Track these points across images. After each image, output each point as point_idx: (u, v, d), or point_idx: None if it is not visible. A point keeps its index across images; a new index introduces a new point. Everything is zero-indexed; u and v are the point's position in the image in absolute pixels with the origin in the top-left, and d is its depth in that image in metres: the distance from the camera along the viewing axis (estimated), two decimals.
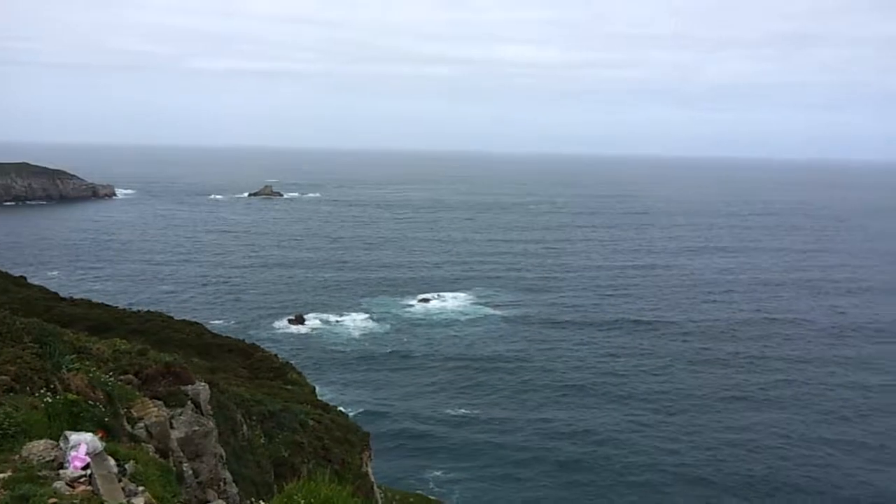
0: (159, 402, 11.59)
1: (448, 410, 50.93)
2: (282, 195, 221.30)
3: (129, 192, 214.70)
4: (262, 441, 20.12)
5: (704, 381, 57.21)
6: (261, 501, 8.73)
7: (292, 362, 34.47)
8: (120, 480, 5.80)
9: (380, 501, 26.75)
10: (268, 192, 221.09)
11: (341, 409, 30.94)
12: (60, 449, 5.89)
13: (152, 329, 30.35)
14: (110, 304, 37.10)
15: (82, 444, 5.73)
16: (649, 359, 62.66)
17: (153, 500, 5.90)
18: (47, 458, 5.85)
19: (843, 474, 41.97)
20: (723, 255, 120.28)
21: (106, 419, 8.28)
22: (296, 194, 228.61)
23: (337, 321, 73.97)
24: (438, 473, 41.83)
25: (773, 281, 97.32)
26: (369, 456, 26.30)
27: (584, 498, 39.29)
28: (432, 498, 35.65)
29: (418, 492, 35.95)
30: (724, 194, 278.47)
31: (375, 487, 26.71)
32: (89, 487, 5.49)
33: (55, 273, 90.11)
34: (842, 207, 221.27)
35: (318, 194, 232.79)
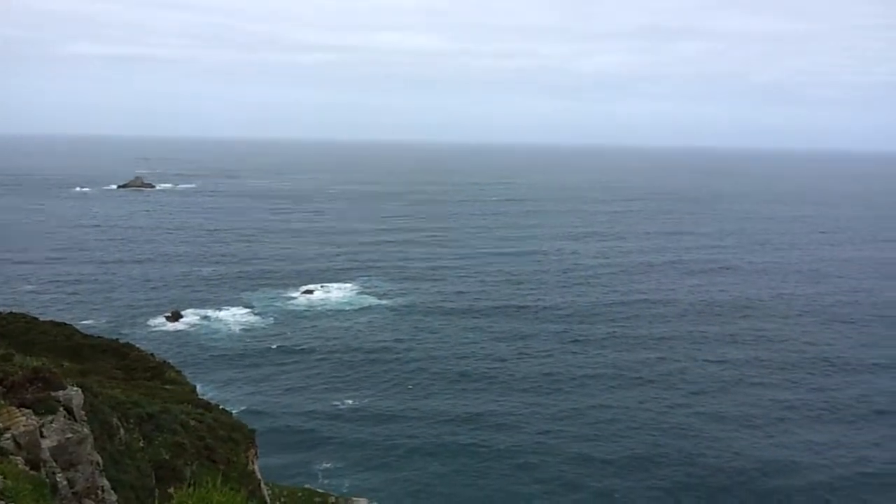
0: (27, 411, 10.91)
1: (335, 402, 50.59)
2: (154, 187, 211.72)
3: None
4: (140, 445, 19.35)
5: (584, 362, 59.48)
6: None
7: (170, 361, 33.20)
8: None
9: (267, 499, 26.32)
10: (138, 184, 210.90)
11: (224, 407, 30.10)
12: None
13: (15, 332, 28.44)
14: None
15: None
16: (532, 342, 64.48)
17: None
18: None
19: (712, 442, 44.78)
20: (599, 239, 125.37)
21: None
22: (169, 185, 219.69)
23: (216, 316, 71.73)
24: (328, 465, 41.57)
25: (644, 263, 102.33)
26: (255, 453, 25.79)
27: (473, 482, 40.08)
28: (321, 491, 35.37)
29: (307, 486, 35.57)
30: (597, 181, 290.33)
31: (262, 485, 26.25)
32: None
33: None
34: (705, 192, 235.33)
35: (192, 185, 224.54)
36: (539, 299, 79.91)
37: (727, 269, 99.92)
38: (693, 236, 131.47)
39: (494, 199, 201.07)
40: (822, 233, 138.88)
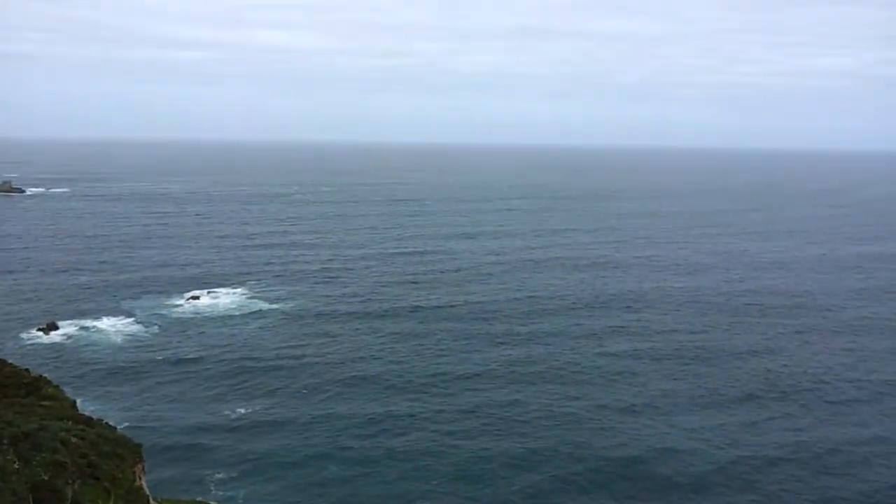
0: None
1: (226, 412, 49.07)
2: (24, 191, 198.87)
3: None
4: (15, 466, 18.19)
5: (479, 360, 60.29)
6: None
7: (47, 375, 31.22)
8: None
9: None
10: (6, 189, 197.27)
11: (108, 421, 28.63)
12: None
13: None
14: None
15: None
16: (427, 342, 64.79)
17: None
18: None
19: (602, 432, 46.38)
20: (489, 237, 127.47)
21: None
22: (41, 190, 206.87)
23: (95, 327, 68.13)
24: (221, 476, 40.27)
25: (532, 260, 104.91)
26: (143, 468, 24.67)
27: (371, 484, 39.87)
28: (214, 503, 34.32)
29: (199, 499, 34.37)
30: (481, 180, 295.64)
31: (151, 501, 25.18)
32: None
33: None
34: (581, 189, 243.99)
35: (66, 189, 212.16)
36: (432, 299, 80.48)
37: (610, 264, 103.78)
38: (576, 232, 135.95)
39: (383, 199, 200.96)
40: (695, 227, 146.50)
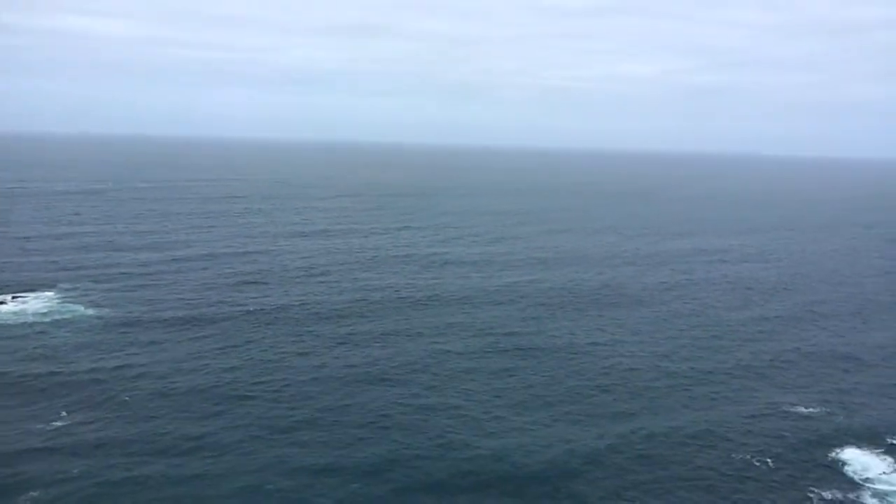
0: None
1: (33, 433, 44.16)
2: None
3: None
4: None
5: (318, 363, 58.52)
6: None
7: None
8: None
9: None
10: None
11: None
12: None
13: None
14: None
15: None
16: (260, 348, 61.97)
17: None
18: None
19: (443, 435, 46.43)
20: (327, 236, 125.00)
21: None
22: None
23: None
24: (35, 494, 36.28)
25: (373, 259, 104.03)
26: None
27: None
28: None
29: None
30: (319, 175, 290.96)
31: None
32: None
33: None
34: (417, 187, 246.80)
35: None
36: (267, 301, 77.41)
37: (450, 262, 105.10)
38: (415, 230, 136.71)
39: (210, 196, 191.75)
40: (528, 224, 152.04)
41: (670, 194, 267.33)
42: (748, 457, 44.78)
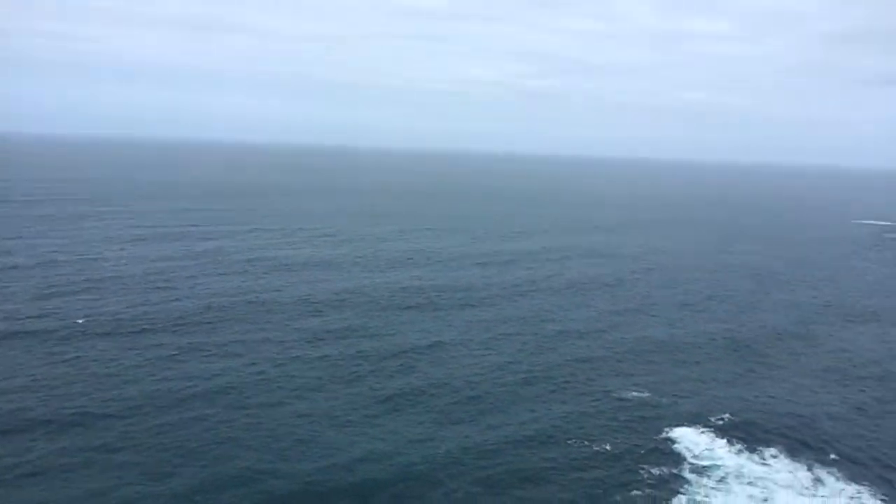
0: None
1: None
2: None
3: None
4: None
5: (165, 377, 56.11)
6: None
7: None
8: None
9: None
10: None
11: None
12: None
13: None
14: None
15: None
16: (89, 363, 58.43)
17: None
18: None
19: (308, 446, 45.86)
20: (168, 240, 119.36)
21: None
22: None
23: None
24: None
25: (223, 261, 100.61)
26: None
27: None
28: None
29: None
30: (158, 176, 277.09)
31: None
32: None
33: None
34: (273, 187, 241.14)
35: None
36: (97, 313, 72.86)
37: (314, 264, 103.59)
38: (266, 232, 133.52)
39: (21, 199, 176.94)
40: (386, 225, 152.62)
41: (515, 194, 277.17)
42: (587, 443, 47.47)
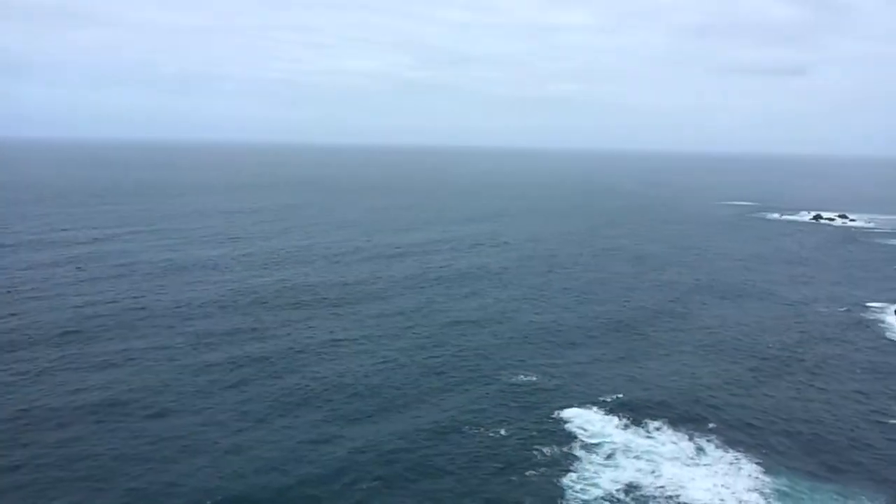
0: None
1: None
2: None
3: None
4: None
5: (31, 393, 52.50)
6: None
7: None
8: None
9: None
10: None
11: None
12: None
13: None
14: None
15: None
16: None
17: None
18: None
19: (174, 461, 44.05)
20: (30, 248, 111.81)
21: None
22: None
23: None
24: None
25: (82, 268, 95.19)
26: None
27: None
28: None
29: None
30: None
31: None
32: None
33: None
34: (134, 186, 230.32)
35: None
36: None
37: (196, 265, 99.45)
38: (139, 234, 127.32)
39: None
40: (261, 223, 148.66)
41: (402, 185, 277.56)
42: (482, 430, 48.14)
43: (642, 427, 49.42)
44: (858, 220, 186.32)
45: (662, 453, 45.64)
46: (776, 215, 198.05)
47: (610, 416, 50.87)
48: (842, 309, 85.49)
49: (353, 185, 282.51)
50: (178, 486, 39.98)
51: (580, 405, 52.66)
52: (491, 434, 47.60)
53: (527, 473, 42.62)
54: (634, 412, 51.65)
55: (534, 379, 58.14)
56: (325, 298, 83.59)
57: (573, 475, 42.62)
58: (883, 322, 79.85)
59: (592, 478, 42.34)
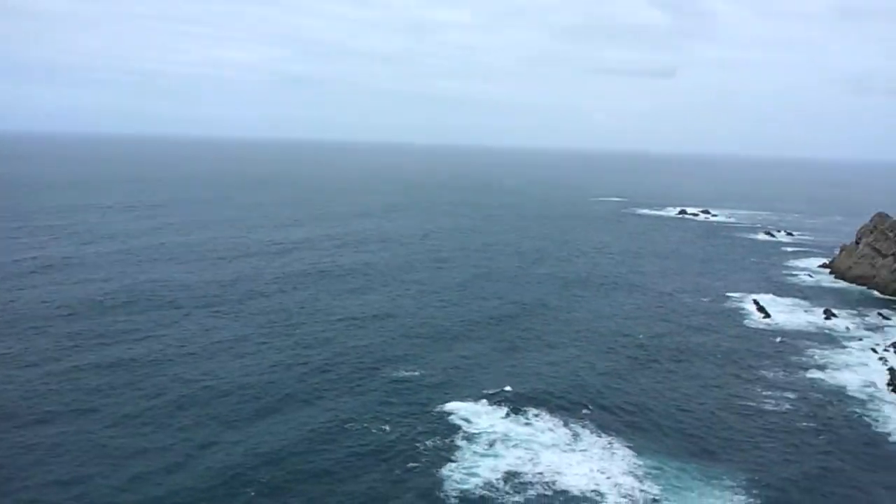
0: None
1: None
2: None
3: None
4: None
5: None
6: None
7: None
8: None
9: None
10: None
11: None
12: None
13: None
14: None
15: None
16: None
17: None
18: None
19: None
20: None
21: None
22: None
23: None
24: None
25: None
26: None
27: None
28: None
29: None
30: None
31: None
32: None
33: None
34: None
35: None
36: None
37: (53, 265, 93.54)
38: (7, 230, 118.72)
39: None
40: (146, 219, 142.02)
41: (284, 181, 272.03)
42: (366, 428, 48.12)
43: (522, 416, 50.86)
44: (720, 216, 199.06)
45: (541, 441, 47.18)
46: (646, 210, 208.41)
47: (492, 408, 52.07)
48: (706, 299, 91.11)
49: (229, 180, 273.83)
50: (40, 502, 37.73)
51: (463, 398, 53.59)
52: (374, 431, 47.63)
53: (409, 466, 43.02)
54: (515, 403, 53.03)
55: (417, 374, 58.67)
56: (203, 297, 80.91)
57: (453, 465, 43.37)
58: (742, 311, 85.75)
59: (472, 467, 43.23)
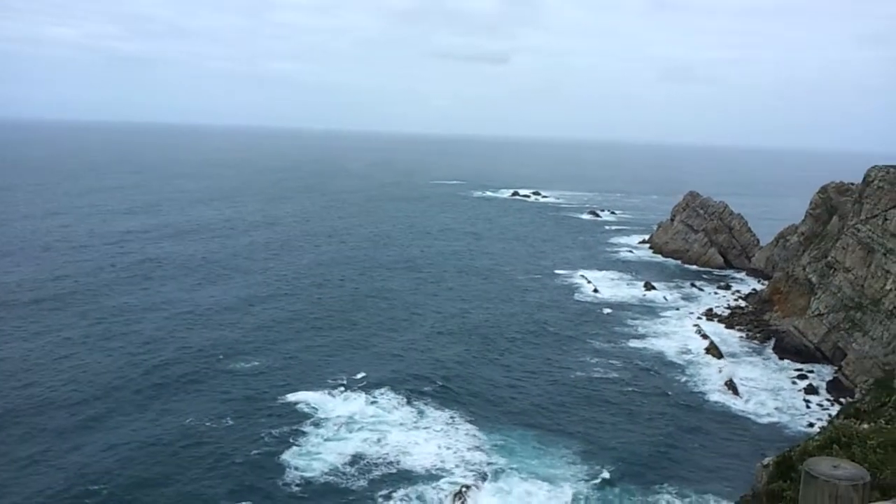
0: None
1: None
2: None
3: None
4: None
5: None
6: None
7: None
8: None
9: None
10: None
11: None
12: None
13: None
14: None
15: None
16: None
17: None
18: None
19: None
20: None
21: None
22: None
23: None
24: None
25: None
26: None
27: None
28: None
29: None
30: None
31: None
32: None
33: None
34: None
35: None
36: None
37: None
38: None
39: None
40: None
41: (118, 167, 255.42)
42: (208, 423, 46.90)
43: (371, 400, 51.68)
44: (550, 196, 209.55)
45: (388, 421, 48.26)
46: (482, 192, 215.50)
47: (341, 395, 52.39)
48: (539, 276, 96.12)
49: (59, 166, 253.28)
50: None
51: (311, 388, 53.51)
52: (214, 426, 46.44)
53: (252, 454, 42.59)
54: (364, 388, 53.69)
55: (259, 366, 57.75)
56: (22, 296, 75.12)
57: (297, 450, 43.50)
58: (573, 286, 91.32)
59: (317, 453, 43.36)
